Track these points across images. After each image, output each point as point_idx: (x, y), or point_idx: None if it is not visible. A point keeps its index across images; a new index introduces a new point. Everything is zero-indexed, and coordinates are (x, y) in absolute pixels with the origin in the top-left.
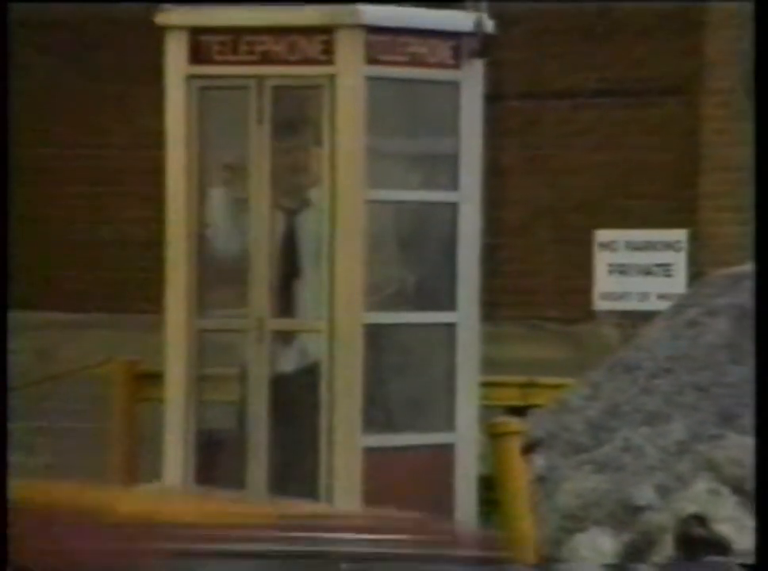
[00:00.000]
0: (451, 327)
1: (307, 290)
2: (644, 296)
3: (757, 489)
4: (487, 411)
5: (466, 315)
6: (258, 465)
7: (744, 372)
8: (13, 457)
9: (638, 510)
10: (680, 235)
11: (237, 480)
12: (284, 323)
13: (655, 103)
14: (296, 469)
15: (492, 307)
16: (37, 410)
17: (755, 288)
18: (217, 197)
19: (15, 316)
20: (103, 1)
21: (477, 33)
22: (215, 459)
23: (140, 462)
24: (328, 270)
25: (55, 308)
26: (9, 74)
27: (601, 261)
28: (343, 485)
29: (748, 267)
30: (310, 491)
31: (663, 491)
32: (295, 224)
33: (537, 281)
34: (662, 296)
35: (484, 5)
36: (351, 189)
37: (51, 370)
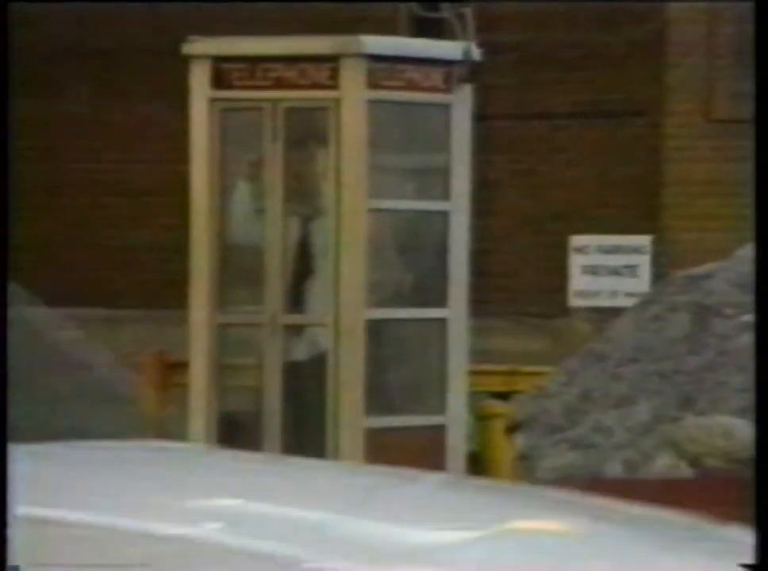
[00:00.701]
0: (442, 321)
1: (315, 289)
2: (613, 294)
3: (757, 489)
4: (475, 396)
5: (456, 311)
6: (272, 444)
7: (701, 361)
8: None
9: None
10: (645, 240)
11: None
12: (295, 318)
13: (622, 124)
14: (305, 447)
15: (479, 304)
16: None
17: (755, 287)
18: (241, 191)
19: (60, 312)
20: (110, 1)
21: (465, 61)
22: (234, 439)
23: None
24: (333, 271)
25: (95, 305)
26: (52, 97)
27: (575, 263)
28: (348, 462)
29: (705, 268)
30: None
31: (630, 465)
32: (305, 230)
33: (519, 281)
34: (628, 294)
35: (472, 35)
36: (355, 199)
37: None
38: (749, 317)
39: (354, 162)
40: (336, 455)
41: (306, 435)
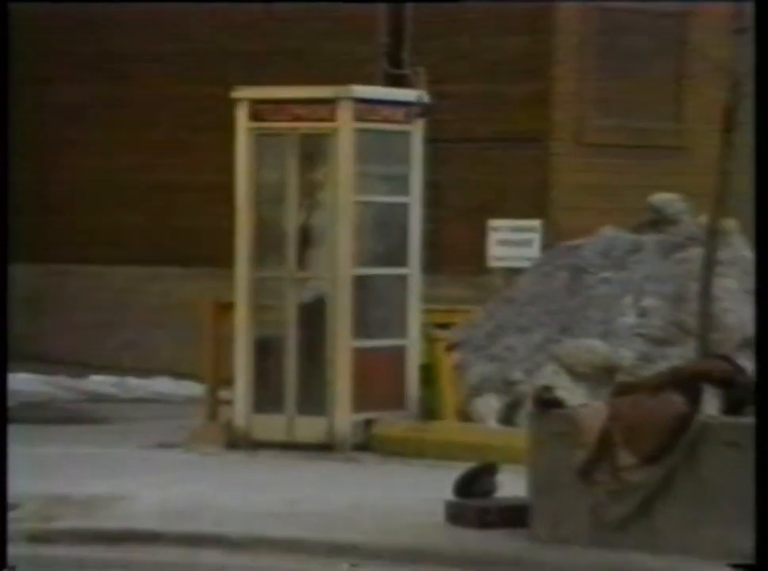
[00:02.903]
0: (404, 277)
1: (319, 254)
2: (517, 259)
3: (757, 488)
4: (425, 326)
5: (413, 270)
6: (290, 357)
7: (575, 303)
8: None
9: (513, 384)
10: (537, 223)
11: (279, 365)
12: (305, 274)
13: (525, 146)
14: (312, 360)
15: (428, 265)
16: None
17: (756, 287)
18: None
19: (154, 269)
20: (112, 1)
21: (419, 103)
22: (266, 354)
23: (222, 359)
24: (331, 243)
25: (176, 266)
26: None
27: (492, 238)
28: (341, 370)
29: (578, 242)
30: (320, 373)
31: (528, 372)
32: (312, 216)
33: (455, 250)
34: (527, 259)
35: (424, 86)
36: (345, 195)
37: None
38: (607, 274)
39: (345, 171)
40: (332, 366)
41: (313, 352)
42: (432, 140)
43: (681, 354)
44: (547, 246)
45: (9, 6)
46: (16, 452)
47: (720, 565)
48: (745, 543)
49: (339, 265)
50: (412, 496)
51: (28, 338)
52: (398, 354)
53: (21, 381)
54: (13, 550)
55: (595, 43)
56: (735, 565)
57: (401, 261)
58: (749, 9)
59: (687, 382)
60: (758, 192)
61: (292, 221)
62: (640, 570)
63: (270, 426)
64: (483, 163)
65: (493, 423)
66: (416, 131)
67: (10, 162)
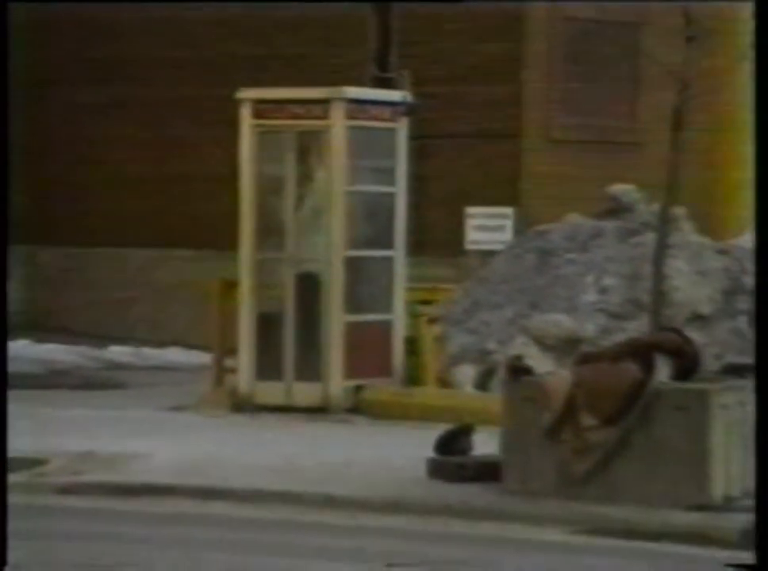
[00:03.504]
0: (390, 258)
1: (314, 238)
2: (491, 242)
3: (757, 488)
4: (410, 303)
5: (398, 252)
6: (288, 331)
7: (542, 282)
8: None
9: (487, 354)
10: (509, 210)
11: (278, 337)
12: (302, 255)
13: (499, 141)
14: (308, 332)
15: (412, 248)
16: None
17: (756, 287)
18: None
19: (164, 252)
20: (110, 1)
21: (404, 103)
22: (267, 327)
23: (227, 331)
24: (325, 228)
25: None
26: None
27: (469, 224)
28: (334, 342)
29: (546, 227)
30: (316, 344)
31: (501, 344)
32: (308, 203)
33: (436, 234)
34: (500, 242)
35: (408, 88)
36: (338, 185)
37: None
38: (571, 256)
39: (338, 164)
40: (327, 338)
41: (309, 326)
42: (415, 136)
43: (636, 328)
44: (518, 231)
45: (27, 14)
46: (45, 414)
47: (670, 511)
48: (692, 494)
49: (333, 248)
50: (397, 453)
51: (54, 313)
52: (385, 327)
53: (48, 351)
54: (44, 501)
55: (561, 49)
56: (734, 565)
57: (388, 244)
58: (697, 18)
59: (642, 352)
60: (758, 192)
61: (290, 208)
62: (601, 519)
63: (271, 391)
64: (461, 157)
65: (469, 388)
66: (402, 128)
67: (10, 161)
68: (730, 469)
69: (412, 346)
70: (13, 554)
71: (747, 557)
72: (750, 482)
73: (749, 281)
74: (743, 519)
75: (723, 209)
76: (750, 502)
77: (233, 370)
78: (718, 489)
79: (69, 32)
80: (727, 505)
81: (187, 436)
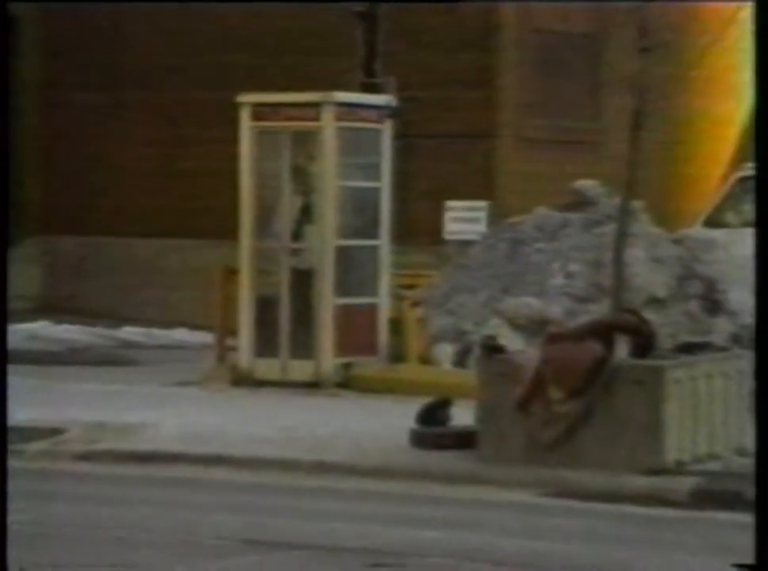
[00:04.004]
0: (376, 247)
1: (307, 229)
2: (468, 232)
3: (757, 488)
4: (394, 287)
5: (384, 241)
6: (284, 313)
7: (514, 268)
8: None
9: (464, 334)
10: (484, 204)
11: (275, 319)
12: (297, 245)
13: (476, 141)
14: (302, 314)
15: (397, 238)
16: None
17: (756, 287)
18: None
19: (171, 241)
20: (113, 1)
21: (389, 106)
22: (265, 311)
23: (229, 313)
24: (317, 220)
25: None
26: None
27: (448, 215)
28: (325, 323)
29: (517, 219)
30: (309, 325)
31: (476, 324)
32: (302, 197)
33: (419, 225)
34: (476, 233)
35: (393, 92)
36: (329, 180)
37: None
38: (540, 245)
39: (329, 161)
40: (318, 319)
41: (303, 308)
42: (399, 136)
43: (599, 310)
44: (491, 222)
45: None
46: (63, 388)
47: (628, 475)
48: (647, 459)
49: (325, 237)
50: (382, 424)
51: (73, 297)
52: (372, 309)
53: (66, 331)
54: (63, 466)
55: (531, 58)
56: (734, 565)
57: (374, 234)
58: (653, 30)
59: (603, 332)
60: (758, 192)
61: (285, 202)
62: (566, 482)
63: (268, 367)
64: (441, 155)
65: (448, 365)
66: (387, 129)
67: (11, 161)
68: (682, 437)
69: (396, 326)
70: (34, 513)
71: (699, 516)
72: (699, 449)
73: (700, 267)
74: (693, 482)
75: (677, 203)
76: (699, 466)
77: (234, 349)
78: (671, 455)
79: (86, 41)
80: (679, 469)
81: (192, 408)
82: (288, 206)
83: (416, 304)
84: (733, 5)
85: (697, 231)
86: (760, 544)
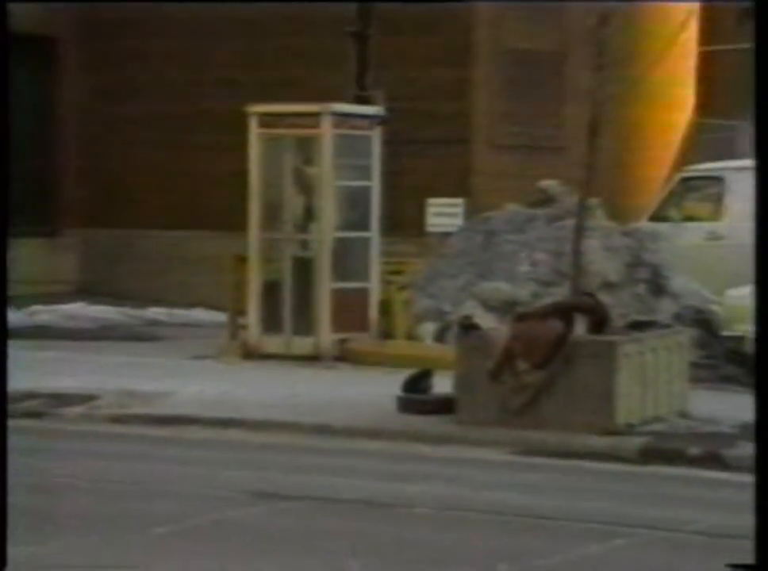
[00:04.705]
0: (367, 238)
1: (308, 222)
2: (447, 225)
3: (757, 488)
4: (383, 273)
5: (374, 233)
6: (287, 295)
7: (487, 257)
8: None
9: (444, 313)
10: (461, 200)
11: (279, 301)
12: (298, 237)
13: (454, 146)
14: (302, 298)
15: (386, 229)
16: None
17: (756, 287)
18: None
19: (190, 232)
20: (118, 1)
21: (378, 116)
22: (271, 294)
23: (240, 296)
24: (317, 214)
25: (206, 229)
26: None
27: (430, 211)
28: (323, 304)
29: (490, 213)
30: (309, 306)
31: (454, 305)
32: (303, 194)
33: (405, 219)
34: (454, 226)
35: (382, 104)
36: (327, 180)
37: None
38: (510, 237)
39: (326, 163)
40: (317, 302)
41: (303, 292)
42: (387, 142)
43: (560, 293)
44: (468, 217)
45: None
46: (96, 360)
47: (585, 436)
48: (602, 422)
49: (323, 230)
50: (373, 392)
51: (106, 281)
52: (364, 293)
53: (99, 311)
54: (98, 428)
55: (501, 74)
56: (735, 565)
57: (366, 227)
58: (607, 50)
59: (564, 312)
60: (758, 192)
61: (288, 199)
62: (532, 441)
63: (274, 343)
64: (424, 158)
65: (430, 341)
66: (376, 135)
67: (10, 160)
68: (631, 402)
69: (385, 307)
70: (70, 469)
71: (647, 470)
72: (646, 412)
73: (647, 256)
74: (642, 441)
75: (627, 200)
76: (646, 428)
77: (244, 327)
78: (622, 418)
79: (117, 61)
80: (629, 430)
81: (208, 378)
82: (290, 203)
83: (402, 287)
84: (676, 25)
85: (644, 224)
86: (760, 544)
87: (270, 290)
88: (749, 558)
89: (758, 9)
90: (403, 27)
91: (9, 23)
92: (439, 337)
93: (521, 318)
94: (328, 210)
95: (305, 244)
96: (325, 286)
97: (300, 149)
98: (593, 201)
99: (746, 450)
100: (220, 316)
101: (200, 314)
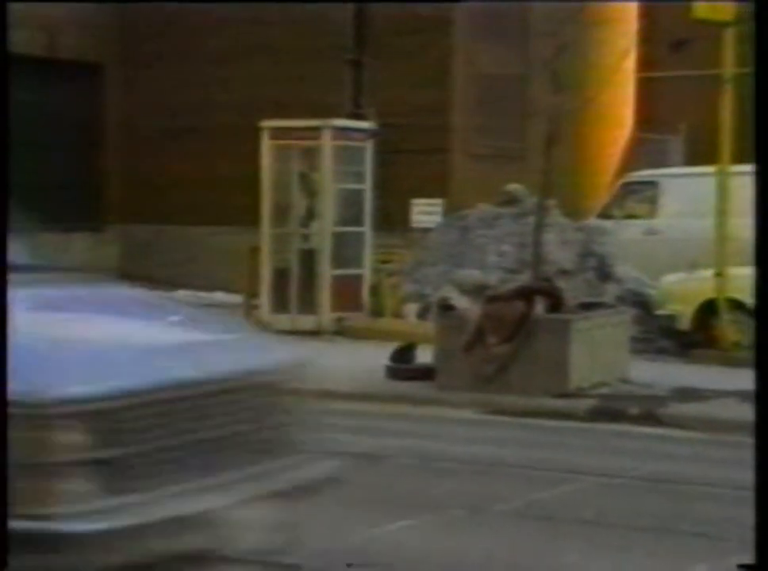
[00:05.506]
0: (362, 232)
1: (311, 219)
2: (428, 222)
3: (757, 488)
4: (375, 262)
5: (367, 228)
6: (294, 281)
7: (462, 249)
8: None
9: (426, 296)
10: (440, 201)
11: (287, 285)
12: (303, 231)
13: (432, 156)
14: (307, 282)
15: (377, 225)
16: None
17: (756, 288)
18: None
19: (211, 228)
20: (128, 1)
21: (371, 130)
22: (280, 279)
23: (254, 281)
24: (319, 213)
25: (224, 224)
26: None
27: (414, 209)
28: (324, 288)
29: (465, 212)
30: (312, 289)
31: (435, 289)
32: (307, 197)
33: (393, 216)
34: (434, 222)
35: (374, 119)
36: (328, 183)
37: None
38: (481, 232)
39: (327, 170)
40: (319, 285)
41: (307, 277)
42: (379, 152)
43: (523, 279)
44: (446, 215)
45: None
46: None
47: (543, 398)
48: (558, 386)
49: (324, 225)
50: (366, 362)
51: (141, 269)
52: (358, 278)
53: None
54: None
55: (476, 94)
56: (740, 566)
57: (360, 223)
58: (562, 74)
59: (527, 295)
60: (759, 192)
61: (295, 199)
62: (499, 403)
63: (282, 320)
64: (410, 166)
65: (413, 319)
66: (369, 146)
67: (10, 160)
68: (582, 370)
69: (376, 290)
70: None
71: (595, 427)
72: (594, 378)
73: (595, 248)
74: (591, 402)
75: (579, 201)
76: (594, 391)
77: (257, 307)
78: (574, 383)
79: (153, 82)
80: (580, 393)
81: None
82: (296, 203)
83: (390, 274)
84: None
85: (593, 221)
86: (760, 544)
87: (279, 276)
88: (679, 500)
89: (758, 9)
90: (392, 55)
91: (8, 23)
92: (422, 315)
93: (490, 300)
94: (328, 209)
95: (308, 238)
96: (326, 273)
97: (305, 157)
98: (551, 202)
99: (678, 409)
100: (237, 298)
101: (220, 296)
